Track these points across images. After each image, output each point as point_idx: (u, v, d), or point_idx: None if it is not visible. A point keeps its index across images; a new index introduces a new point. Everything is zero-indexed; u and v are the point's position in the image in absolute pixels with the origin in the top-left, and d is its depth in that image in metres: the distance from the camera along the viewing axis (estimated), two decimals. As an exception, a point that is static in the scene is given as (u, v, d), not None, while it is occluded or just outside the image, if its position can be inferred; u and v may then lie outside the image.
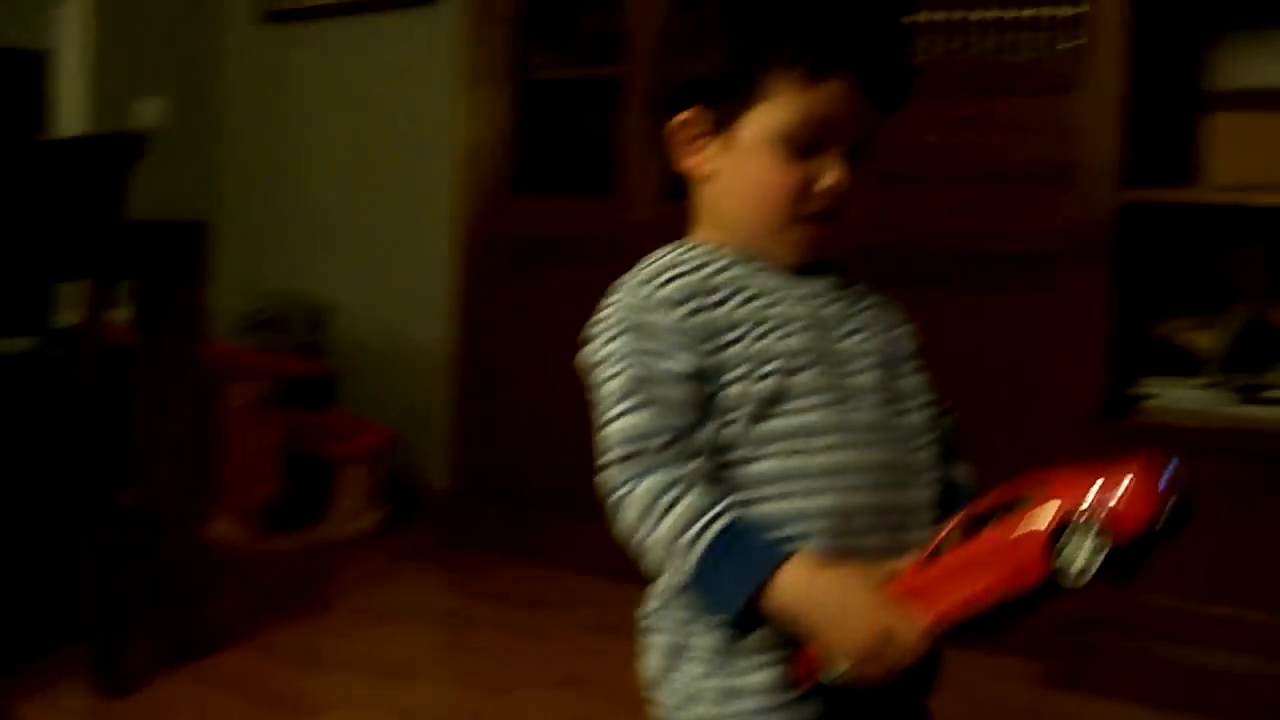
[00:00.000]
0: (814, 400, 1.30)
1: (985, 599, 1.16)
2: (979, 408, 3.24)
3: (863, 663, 1.21)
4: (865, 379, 1.35)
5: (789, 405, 1.29)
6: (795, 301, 1.35)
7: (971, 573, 1.18)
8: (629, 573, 1.51)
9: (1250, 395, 2.96)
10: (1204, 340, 3.08)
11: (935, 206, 3.28)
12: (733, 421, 1.28)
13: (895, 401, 1.37)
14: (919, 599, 1.20)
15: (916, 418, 1.39)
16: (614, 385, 1.29)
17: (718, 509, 1.24)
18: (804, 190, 1.32)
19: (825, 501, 1.28)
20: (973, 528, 1.20)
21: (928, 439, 1.39)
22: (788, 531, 1.26)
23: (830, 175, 1.31)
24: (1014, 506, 1.17)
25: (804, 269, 1.37)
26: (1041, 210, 3.15)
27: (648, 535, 1.26)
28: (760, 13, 1.30)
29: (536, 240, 3.92)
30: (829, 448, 1.29)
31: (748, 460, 1.28)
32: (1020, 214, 3.19)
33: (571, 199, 3.91)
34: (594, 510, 1.41)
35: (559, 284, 3.82)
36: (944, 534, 1.23)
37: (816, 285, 1.38)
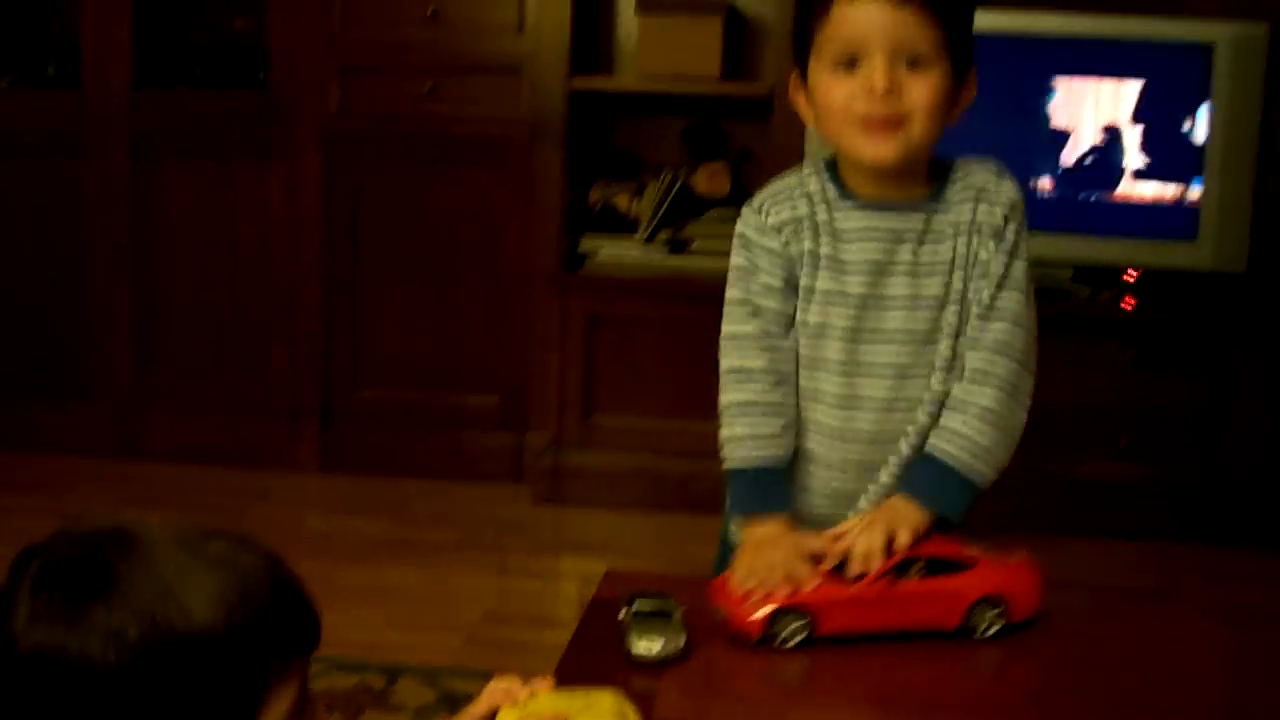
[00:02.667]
0: (840, 339, 1.61)
1: (895, 627, 1.46)
2: (457, 270, 3.74)
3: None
4: (907, 322, 1.62)
5: (827, 333, 1.62)
6: (872, 244, 1.62)
7: (896, 605, 1.47)
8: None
9: (677, 248, 3.61)
10: (634, 204, 3.69)
11: (405, 94, 3.69)
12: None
13: (928, 337, 1.63)
14: (833, 604, 1.46)
15: (945, 352, 1.62)
16: (731, 293, 1.66)
17: (747, 447, 1.62)
18: (855, 99, 1.57)
19: (829, 420, 1.63)
20: (903, 569, 1.47)
21: (948, 371, 1.62)
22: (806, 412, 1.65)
23: (871, 80, 1.56)
24: (940, 568, 1.49)
25: (901, 204, 1.62)
26: (501, 97, 3.65)
27: (721, 417, 1.64)
28: None
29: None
30: (849, 379, 1.62)
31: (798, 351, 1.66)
32: (482, 100, 3.67)
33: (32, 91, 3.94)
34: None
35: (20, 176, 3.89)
36: (884, 569, 1.47)
37: (896, 223, 1.62)
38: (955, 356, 1.62)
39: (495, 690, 1.18)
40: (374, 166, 3.75)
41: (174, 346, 3.90)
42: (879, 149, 1.58)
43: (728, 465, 1.65)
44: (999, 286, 1.61)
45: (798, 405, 1.64)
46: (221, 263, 3.86)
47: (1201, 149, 3.39)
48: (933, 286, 1.62)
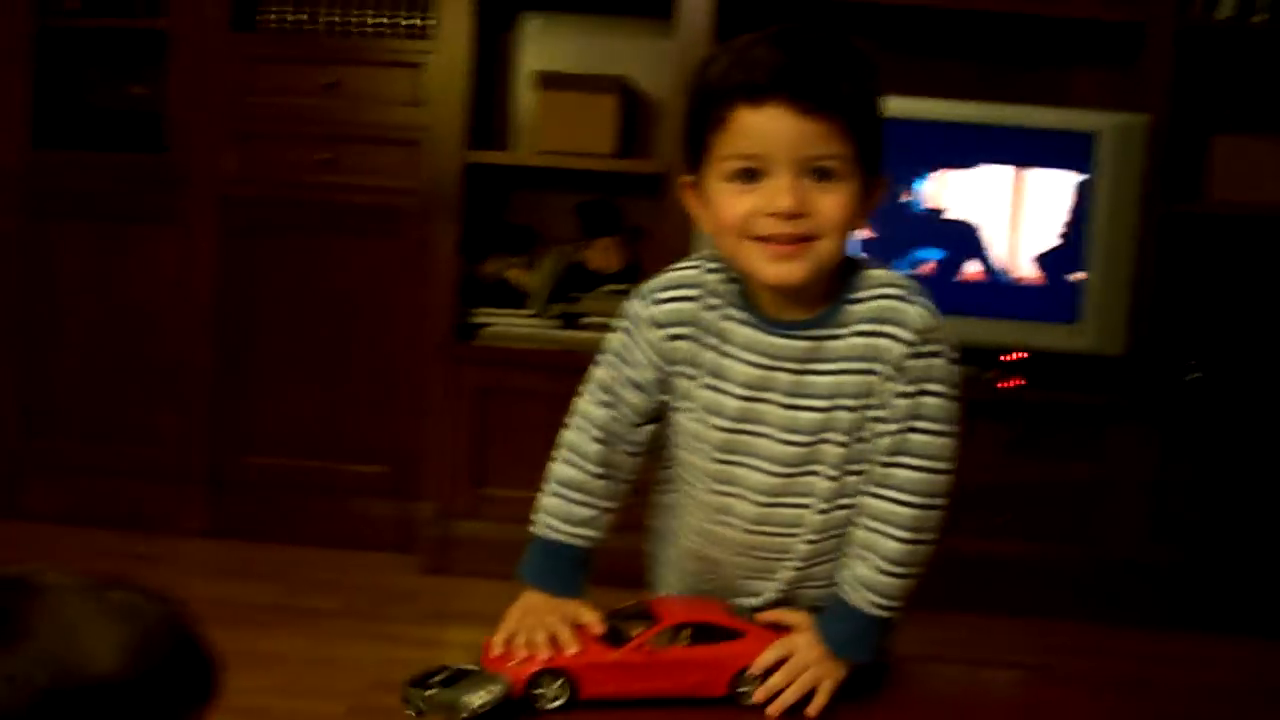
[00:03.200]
0: (712, 451, 1.57)
1: (661, 692, 1.47)
2: (350, 338, 3.75)
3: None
4: (777, 448, 1.54)
5: (700, 445, 1.58)
6: (752, 358, 1.54)
7: (661, 671, 1.47)
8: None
9: (569, 322, 3.65)
10: (527, 277, 3.73)
11: (301, 162, 3.70)
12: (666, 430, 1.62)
13: (801, 465, 1.55)
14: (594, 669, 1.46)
15: (824, 484, 1.55)
16: (598, 372, 1.64)
17: (563, 528, 1.61)
18: (757, 217, 1.47)
19: (704, 528, 1.61)
20: (674, 636, 1.48)
21: (829, 502, 1.55)
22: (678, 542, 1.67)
23: (775, 200, 1.46)
24: (714, 635, 1.50)
25: (792, 325, 1.53)
26: (397, 167, 3.68)
27: (544, 483, 1.64)
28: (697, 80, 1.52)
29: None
30: (719, 492, 1.58)
31: (668, 466, 1.65)
32: (378, 170, 3.69)
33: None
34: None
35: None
36: (650, 634, 1.47)
37: (791, 346, 1.53)
38: (840, 492, 1.54)
39: None
40: (270, 233, 3.76)
41: (60, 407, 3.86)
42: (782, 270, 1.47)
43: (532, 529, 1.64)
44: (906, 429, 1.50)
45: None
46: (112, 325, 3.83)
47: (1083, 235, 3.48)
48: (810, 413, 1.53)
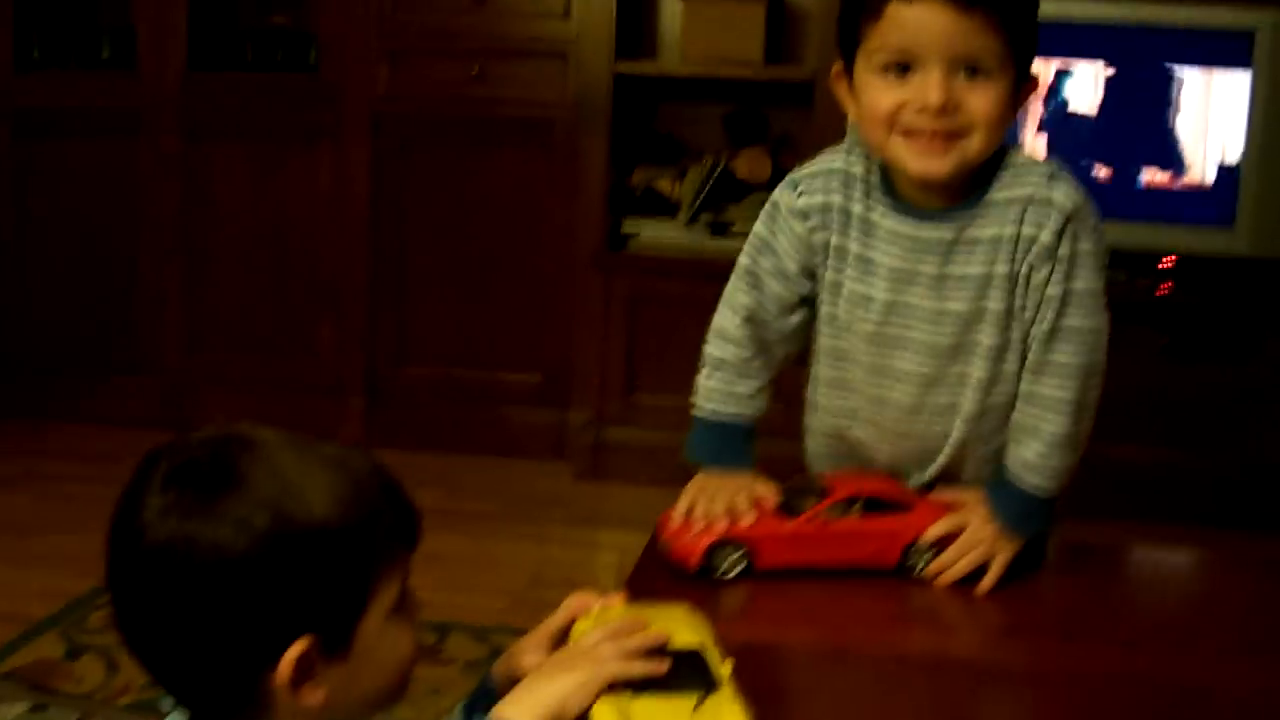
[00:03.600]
0: (864, 341, 1.58)
1: (833, 563, 1.50)
2: (501, 250, 3.81)
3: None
4: (927, 338, 1.55)
5: (850, 337, 1.59)
6: (897, 250, 1.54)
7: (834, 542, 1.50)
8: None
9: (717, 230, 3.67)
10: (676, 187, 3.76)
11: (451, 77, 3.76)
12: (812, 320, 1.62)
13: (953, 356, 1.55)
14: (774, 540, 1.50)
15: (977, 373, 1.55)
16: (743, 259, 1.64)
17: (727, 404, 1.63)
18: (906, 109, 1.47)
19: (858, 416, 1.62)
20: (846, 508, 1.50)
21: (984, 390, 1.55)
22: (823, 419, 1.67)
23: (925, 93, 1.45)
24: (885, 507, 1.52)
25: (937, 214, 1.52)
26: (546, 80, 3.72)
27: (700, 366, 1.65)
28: None
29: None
30: (872, 382, 1.59)
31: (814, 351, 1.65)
32: (527, 84, 3.73)
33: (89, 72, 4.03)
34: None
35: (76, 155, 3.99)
36: (823, 506, 1.50)
37: (937, 231, 1.52)
38: (995, 379, 1.55)
39: (572, 603, 1.23)
40: (421, 148, 3.82)
41: (223, 323, 3.98)
42: (929, 165, 1.48)
43: (695, 412, 1.66)
44: (1059, 314, 1.50)
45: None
46: (270, 242, 3.94)
47: (1240, 136, 3.43)
48: (958, 303, 1.53)
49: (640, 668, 1.11)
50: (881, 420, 1.61)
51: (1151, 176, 3.50)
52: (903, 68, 1.46)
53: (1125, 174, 3.51)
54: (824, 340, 1.62)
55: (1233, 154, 3.44)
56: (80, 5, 4.13)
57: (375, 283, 3.88)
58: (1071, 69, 3.48)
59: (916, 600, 1.49)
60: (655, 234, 3.71)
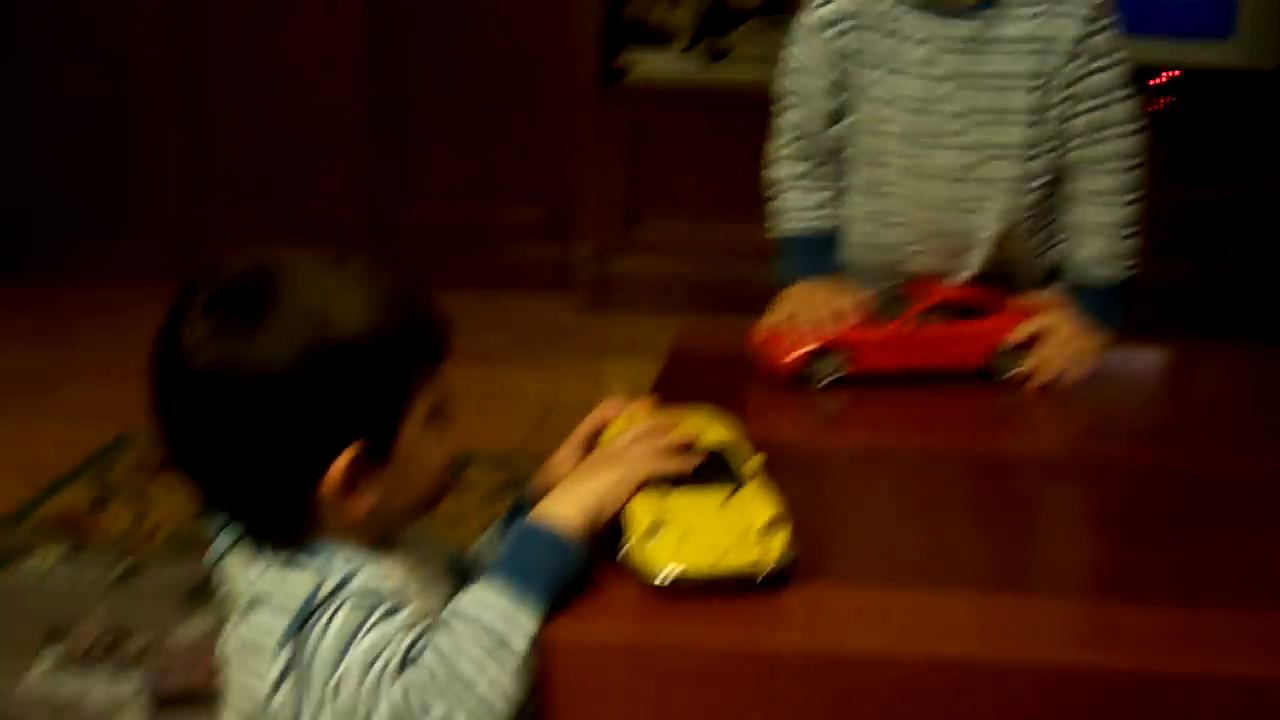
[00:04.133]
0: (897, 141, 1.63)
1: (924, 367, 1.54)
2: (499, 86, 3.81)
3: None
4: (958, 133, 1.61)
5: (883, 132, 1.64)
6: (923, 48, 1.59)
7: (926, 346, 1.54)
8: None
9: (716, 58, 3.67)
10: (672, 16, 3.74)
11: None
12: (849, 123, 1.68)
13: (984, 149, 1.61)
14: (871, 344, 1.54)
15: (1009, 167, 1.62)
16: (784, 81, 1.70)
17: (796, 215, 1.71)
18: None
19: (897, 214, 1.67)
20: (929, 314, 1.55)
21: (1017, 184, 1.62)
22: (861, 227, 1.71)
23: None
24: (969, 313, 1.56)
25: (962, 11, 1.57)
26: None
27: (770, 190, 1.73)
28: None
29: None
30: (907, 176, 1.64)
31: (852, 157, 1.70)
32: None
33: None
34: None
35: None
36: (918, 309, 1.54)
37: (961, 28, 1.58)
38: (1028, 175, 1.61)
39: (601, 409, 1.27)
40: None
41: (222, 171, 3.98)
42: None
43: (779, 233, 1.73)
44: (1095, 107, 1.59)
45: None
46: (267, 89, 3.92)
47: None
48: (984, 99, 1.59)
49: (673, 464, 1.15)
50: (917, 219, 1.67)
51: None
52: None
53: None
54: (861, 142, 1.68)
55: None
56: None
57: (373, 123, 3.87)
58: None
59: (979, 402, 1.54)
60: (653, 64, 3.71)
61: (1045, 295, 1.65)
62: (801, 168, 1.71)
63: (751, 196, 1.81)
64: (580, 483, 1.13)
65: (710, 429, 1.22)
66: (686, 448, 1.18)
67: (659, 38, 3.73)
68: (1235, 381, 1.73)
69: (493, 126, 3.83)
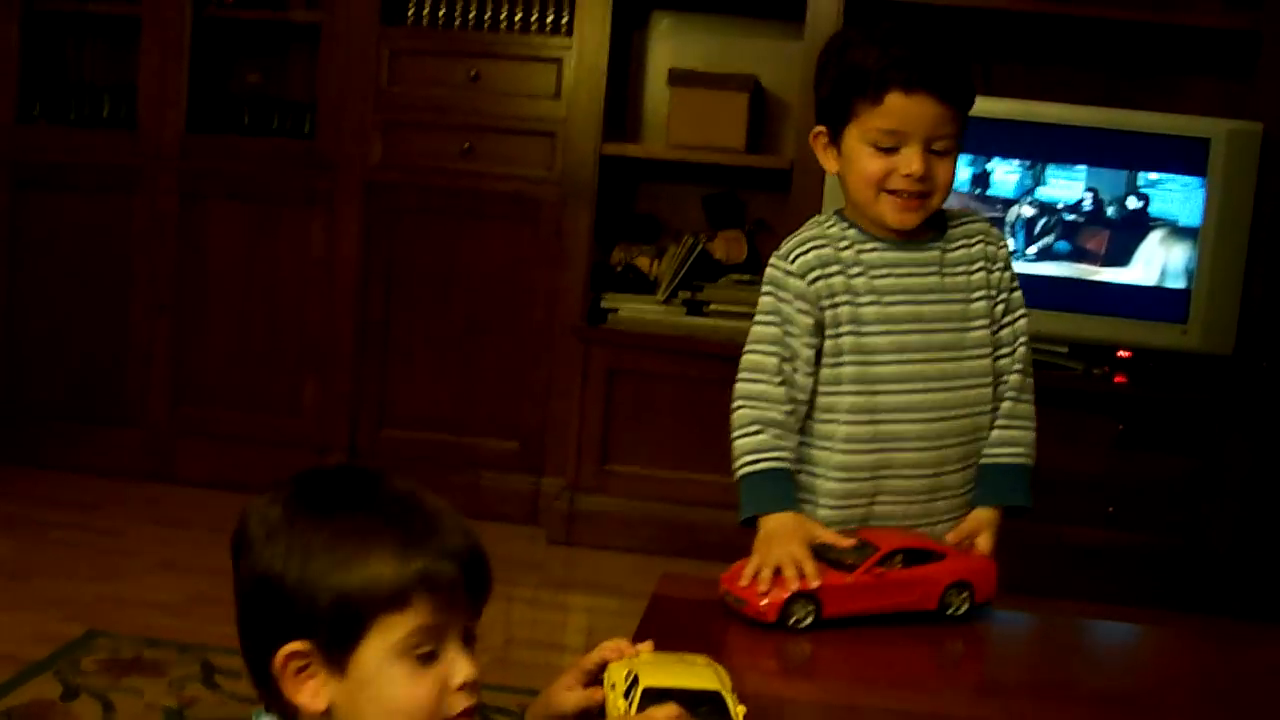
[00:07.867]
0: (892, 354, 1.87)
1: (885, 608, 1.71)
2: (485, 320, 3.95)
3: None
4: (938, 336, 1.89)
5: (879, 357, 1.87)
6: (898, 271, 1.89)
7: (887, 590, 1.71)
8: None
9: (694, 309, 3.82)
10: (655, 265, 3.90)
11: (443, 150, 3.91)
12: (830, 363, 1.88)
13: (956, 351, 1.90)
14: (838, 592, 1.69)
15: (982, 363, 1.92)
16: (759, 329, 1.89)
17: (769, 454, 1.84)
18: (891, 175, 1.84)
19: (894, 428, 1.87)
20: (888, 559, 1.71)
21: (983, 380, 1.92)
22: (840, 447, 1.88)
23: (911, 165, 1.83)
24: (922, 558, 1.74)
25: (914, 243, 1.89)
26: (534, 157, 3.87)
27: (733, 440, 1.87)
28: (844, 56, 1.87)
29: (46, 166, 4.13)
30: (896, 391, 1.87)
31: (831, 393, 1.88)
32: (516, 160, 3.89)
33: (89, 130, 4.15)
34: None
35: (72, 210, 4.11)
36: (876, 558, 1.70)
37: (921, 254, 1.90)
38: (988, 371, 1.92)
39: (605, 648, 1.39)
40: (411, 218, 3.96)
41: (210, 379, 4.09)
42: (905, 218, 1.87)
43: (744, 471, 1.86)
44: (1020, 316, 1.95)
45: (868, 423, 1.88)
46: (260, 302, 4.06)
47: (1194, 237, 3.60)
48: (958, 308, 1.90)
49: None
50: (908, 428, 1.88)
51: (1111, 272, 3.66)
52: (891, 145, 1.84)
53: (1083, 267, 3.67)
54: (847, 370, 1.87)
55: (1187, 255, 3.61)
56: (82, 64, 4.27)
57: (360, 346, 4.00)
58: (1039, 169, 3.65)
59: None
60: (634, 310, 3.85)
61: (971, 522, 1.90)
62: (780, 410, 1.85)
63: (721, 444, 1.92)
64: None
65: (704, 676, 1.33)
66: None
67: (642, 285, 3.88)
68: (1184, 655, 1.87)
69: (475, 358, 3.96)
